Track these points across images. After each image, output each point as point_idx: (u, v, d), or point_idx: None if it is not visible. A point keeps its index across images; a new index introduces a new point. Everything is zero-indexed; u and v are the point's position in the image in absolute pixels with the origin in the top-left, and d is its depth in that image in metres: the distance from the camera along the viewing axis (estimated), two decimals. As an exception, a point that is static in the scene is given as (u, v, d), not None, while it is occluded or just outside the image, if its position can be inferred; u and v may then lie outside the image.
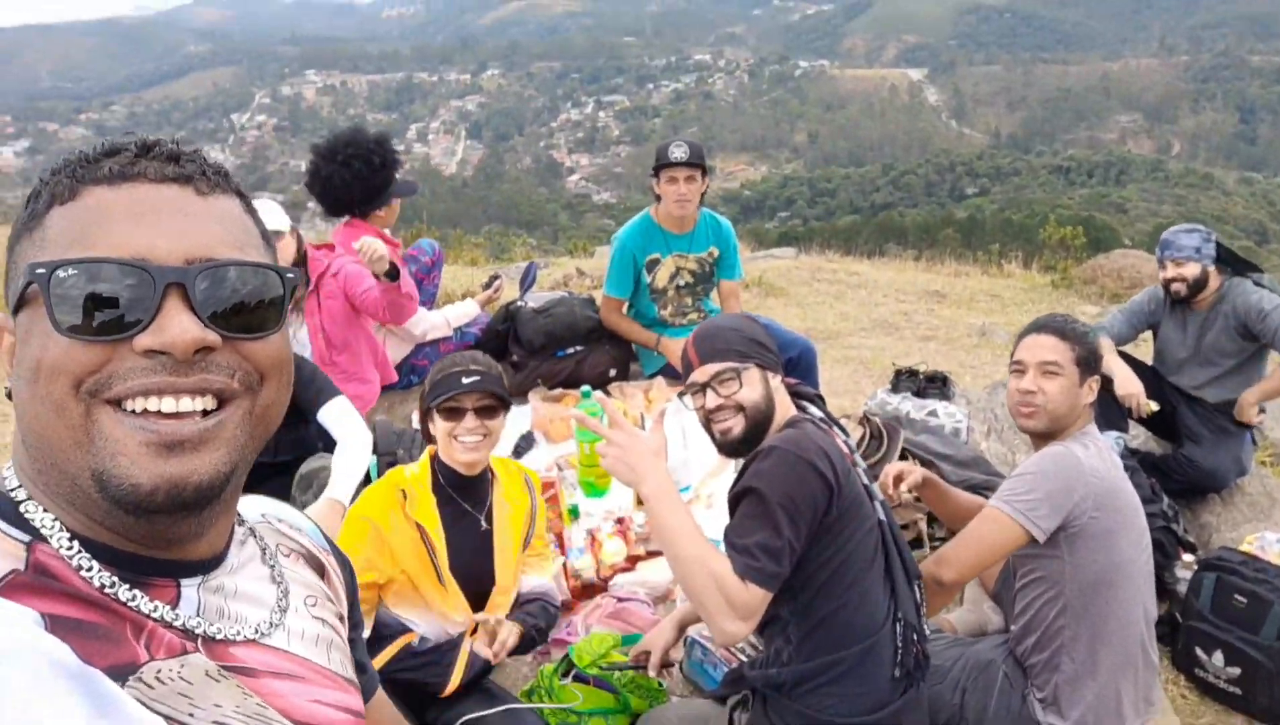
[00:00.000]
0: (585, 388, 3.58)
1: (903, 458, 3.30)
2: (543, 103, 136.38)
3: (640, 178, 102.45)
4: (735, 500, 1.95)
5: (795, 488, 1.84)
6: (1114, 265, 9.80)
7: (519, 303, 4.49)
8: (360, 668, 1.05)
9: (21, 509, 0.72)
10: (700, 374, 2.09)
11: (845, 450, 2.03)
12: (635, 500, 3.39)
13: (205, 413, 0.73)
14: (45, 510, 0.73)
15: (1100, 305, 8.53)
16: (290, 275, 0.80)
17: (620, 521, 3.21)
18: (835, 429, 2.10)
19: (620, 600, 2.87)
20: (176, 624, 0.75)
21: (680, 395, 2.22)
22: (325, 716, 0.85)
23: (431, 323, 4.33)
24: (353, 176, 4.07)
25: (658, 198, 4.19)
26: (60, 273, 0.69)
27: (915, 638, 1.99)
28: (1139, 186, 71.58)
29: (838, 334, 7.19)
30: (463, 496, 2.34)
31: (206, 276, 0.73)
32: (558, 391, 4.19)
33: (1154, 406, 3.67)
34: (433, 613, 2.24)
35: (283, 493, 2.91)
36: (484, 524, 2.36)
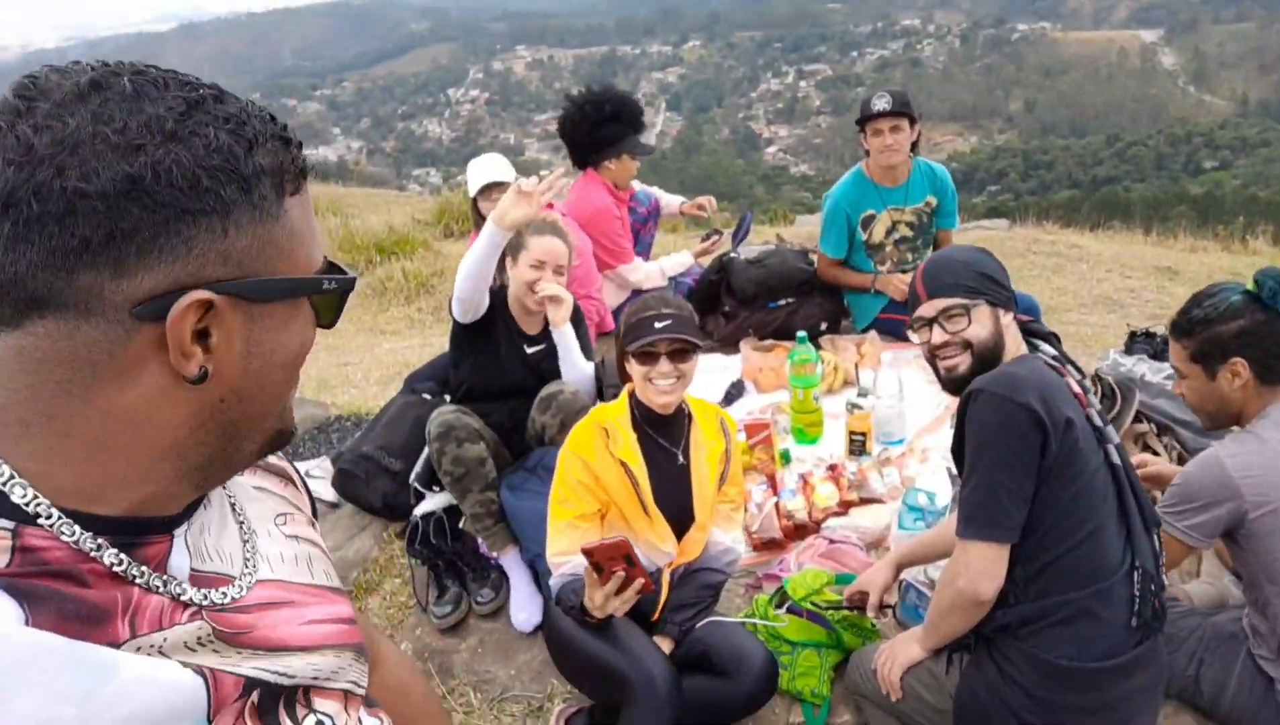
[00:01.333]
0: (801, 333, 3.62)
1: (1137, 421, 3.13)
2: (743, 73, 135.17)
3: (840, 149, 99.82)
4: (957, 452, 1.96)
5: (1007, 432, 1.81)
6: (1383, 244, 8.69)
7: (732, 253, 4.56)
8: None
9: (7, 489, 0.67)
10: (928, 308, 2.05)
11: (1077, 390, 1.97)
12: (846, 449, 3.40)
13: None
14: (36, 490, 0.68)
15: (1364, 288, 7.60)
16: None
17: (833, 468, 3.23)
18: (1069, 368, 2.03)
19: (833, 542, 2.90)
20: (165, 592, 0.74)
21: (907, 328, 2.19)
22: (320, 634, 0.87)
23: (647, 272, 4.47)
24: (583, 120, 4.26)
25: (866, 152, 4.13)
26: (328, 283, 0.78)
27: (1153, 587, 1.92)
28: None
29: (1055, 310, 6.78)
30: (660, 434, 2.41)
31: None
32: (768, 342, 4.23)
33: None
34: (642, 542, 2.35)
35: (525, 408, 3.09)
36: (681, 459, 2.42)
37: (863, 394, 3.41)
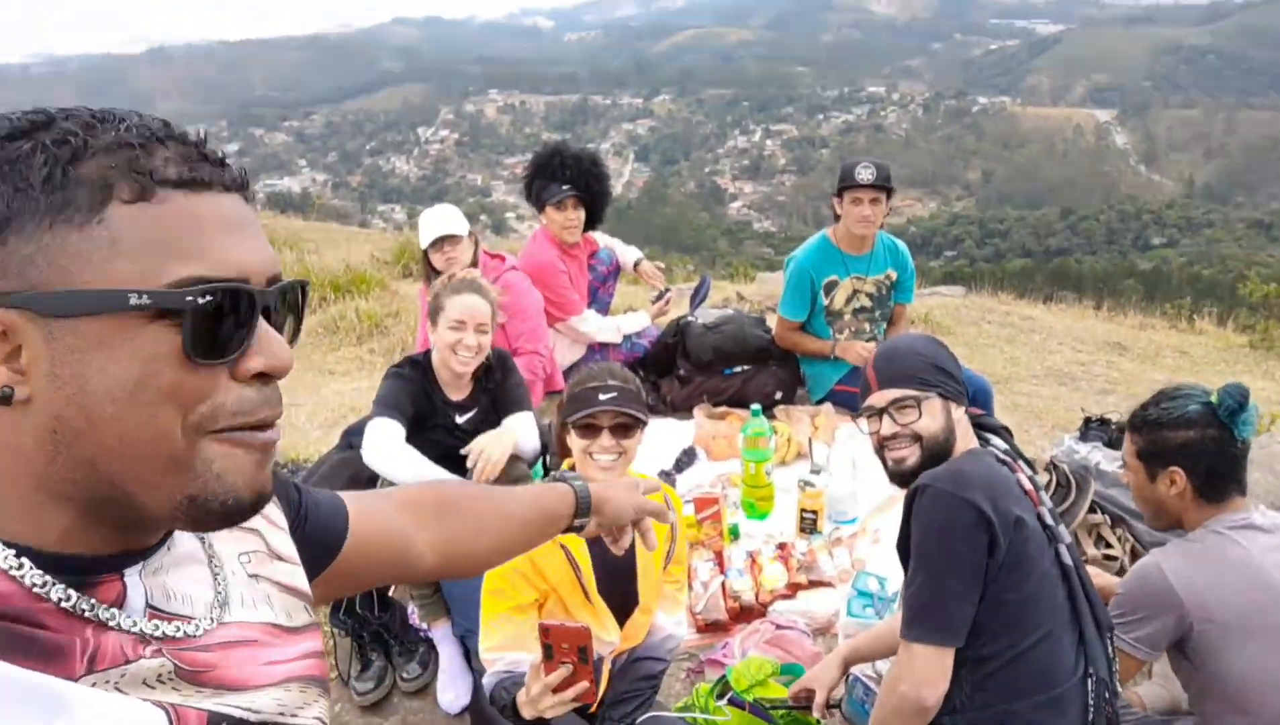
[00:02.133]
0: (755, 407, 3.53)
1: (1091, 511, 3.07)
2: (711, 129, 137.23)
3: (803, 207, 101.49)
4: (902, 548, 1.88)
5: (952, 530, 1.75)
6: (1326, 331, 8.89)
7: (689, 317, 4.49)
8: (323, 521, 1.06)
9: None
10: (878, 398, 2.00)
11: (1028, 487, 1.91)
12: (797, 527, 3.31)
13: None
14: None
15: (1307, 370, 7.77)
16: (305, 285, 0.80)
17: (782, 547, 3.13)
18: (1020, 463, 1.97)
19: (779, 628, 2.79)
20: (126, 627, 0.71)
21: (856, 417, 2.13)
22: (282, 673, 0.85)
23: (600, 325, 4.41)
24: (527, 177, 4.37)
25: (837, 217, 4.11)
26: (200, 299, 0.66)
27: (1107, 695, 1.83)
28: (1353, 247, 65.11)
29: (1007, 380, 6.82)
30: None
31: (278, 295, 0.73)
32: (722, 409, 4.15)
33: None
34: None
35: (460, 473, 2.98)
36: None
37: (815, 471, 3.33)
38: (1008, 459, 1.94)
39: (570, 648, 1.82)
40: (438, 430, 2.99)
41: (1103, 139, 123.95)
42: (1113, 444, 3.45)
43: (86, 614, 0.68)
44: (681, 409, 4.29)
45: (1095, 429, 3.53)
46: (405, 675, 2.82)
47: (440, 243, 3.78)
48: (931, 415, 1.95)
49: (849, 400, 4.06)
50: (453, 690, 2.74)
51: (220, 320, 0.67)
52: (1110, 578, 2.55)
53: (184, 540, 0.81)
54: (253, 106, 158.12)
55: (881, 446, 2.02)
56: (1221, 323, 10.52)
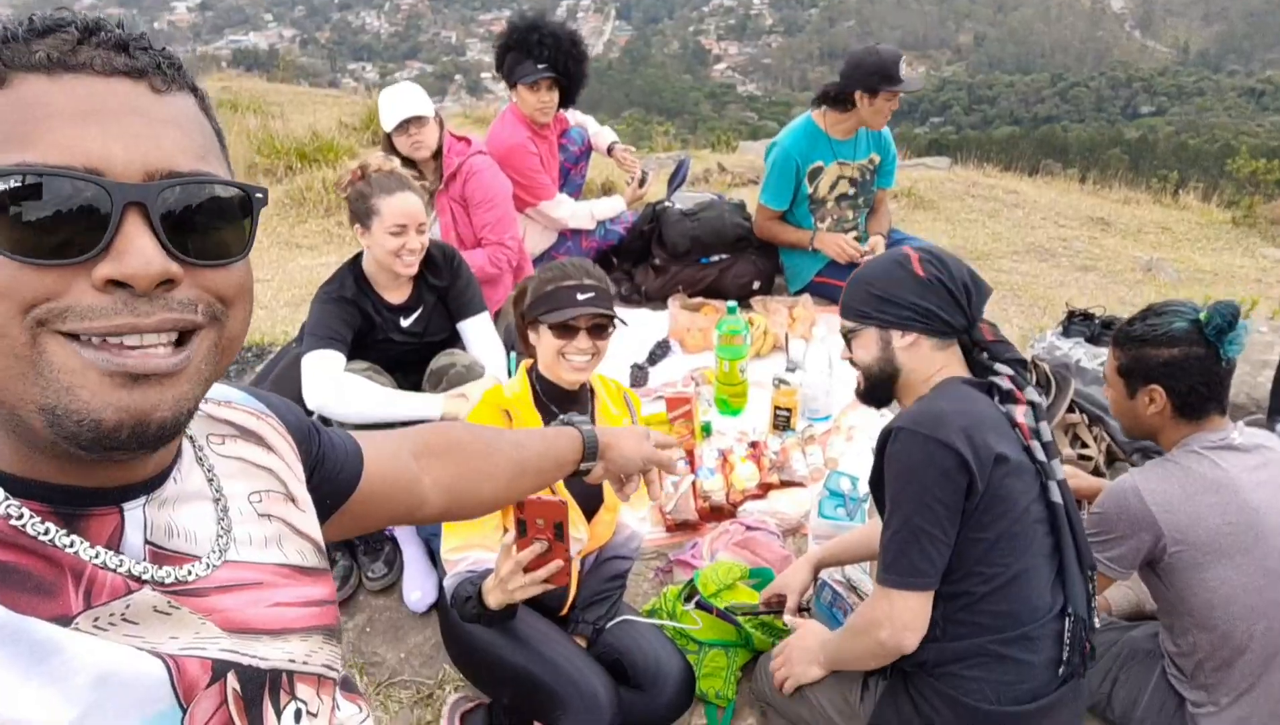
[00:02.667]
0: (731, 304, 3.42)
1: (1070, 410, 3.03)
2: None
3: (789, 71, 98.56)
4: (876, 486, 1.85)
5: (928, 473, 1.69)
6: (1312, 207, 8.81)
7: (666, 203, 4.32)
8: (339, 461, 1.04)
9: None
10: (840, 326, 2.02)
11: (1022, 421, 1.83)
12: (770, 424, 3.26)
13: (173, 343, 0.66)
14: None
15: (1285, 250, 7.76)
16: (259, 194, 0.71)
17: (754, 445, 3.08)
18: (1026, 393, 1.87)
19: (749, 528, 2.77)
20: (121, 570, 0.68)
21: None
22: (288, 617, 0.82)
23: (573, 210, 4.23)
24: (499, 50, 4.10)
25: (839, 104, 3.86)
26: (1, 184, 0.59)
27: (1084, 632, 1.82)
28: (1345, 117, 64.31)
29: (988, 255, 6.77)
30: (566, 412, 2.18)
31: (169, 194, 0.64)
32: (698, 300, 4.04)
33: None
34: None
35: (418, 381, 2.90)
36: None
37: (791, 368, 3.26)
38: (1011, 388, 1.84)
39: (546, 523, 1.74)
40: (382, 343, 2.85)
41: (1098, 2, 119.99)
42: (1094, 340, 3.39)
43: (68, 550, 0.65)
44: (656, 299, 4.17)
45: (1078, 324, 3.45)
46: (371, 574, 2.79)
47: (405, 125, 3.55)
48: (864, 347, 1.91)
49: (829, 292, 3.97)
50: (419, 589, 2.72)
51: (49, 214, 0.59)
52: (1089, 478, 2.53)
53: (191, 476, 0.79)
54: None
55: None
56: (1206, 198, 10.42)
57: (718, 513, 2.87)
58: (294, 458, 0.95)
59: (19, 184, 0.59)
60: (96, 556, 0.67)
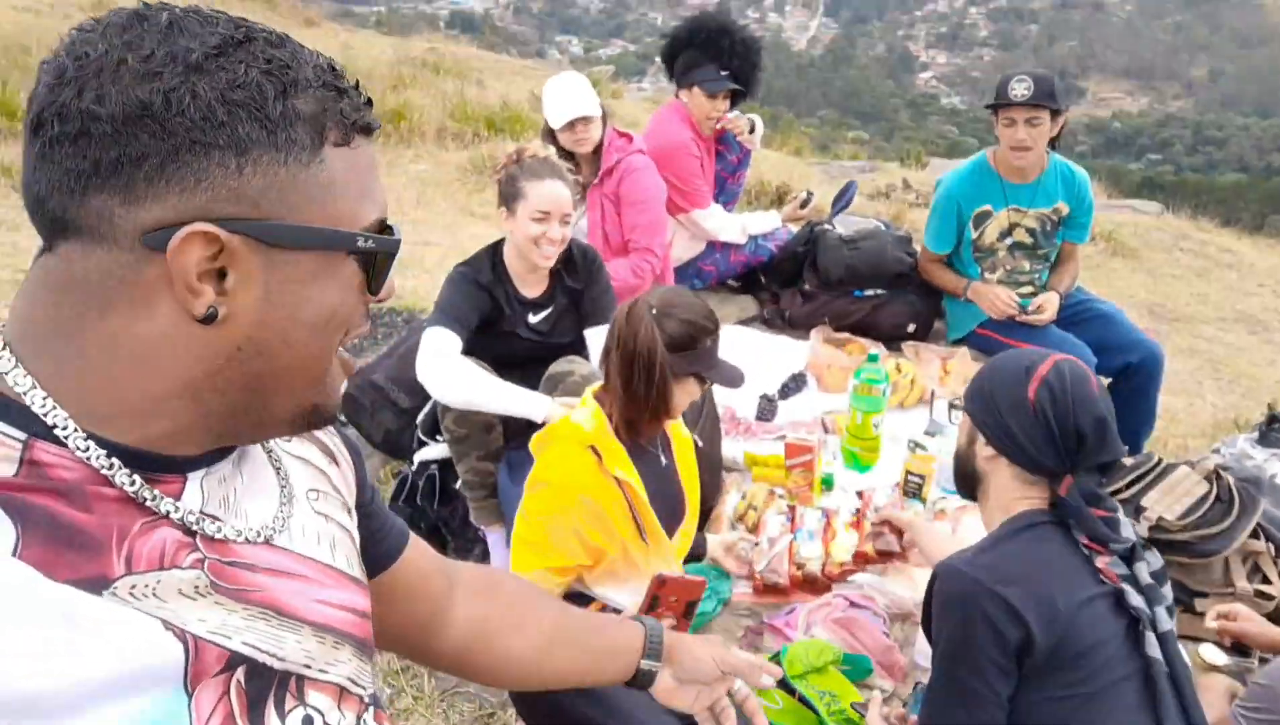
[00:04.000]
0: (874, 352, 3.15)
1: (1254, 536, 2.61)
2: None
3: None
4: (927, 626, 1.70)
5: (973, 624, 1.52)
6: None
7: (826, 225, 4.07)
8: (383, 531, 1.05)
9: (28, 400, 0.68)
10: None
11: (1101, 566, 1.60)
12: (901, 489, 2.97)
13: None
14: (57, 403, 0.68)
15: None
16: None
17: (858, 512, 2.79)
18: (1112, 542, 1.64)
19: (852, 604, 2.52)
20: (175, 517, 0.72)
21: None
22: (329, 616, 0.84)
23: (724, 223, 4.06)
24: (673, 42, 3.97)
25: (997, 139, 3.55)
26: (377, 245, 0.75)
27: None
28: None
29: (1189, 319, 6.19)
30: (642, 434, 2.12)
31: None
32: (844, 335, 3.78)
33: None
34: (637, 576, 2.02)
35: (537, 381, 2.82)
36: (664, 458, 2.15)
37: (931, 432, 2.97)
38: (1092, 544, 1.63)
39: (679, 600, 1.72)
40: (507, 336, 2.78)
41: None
42: (1297, 452, 2.93)
43: (147, 502, 0.70)
44: (800, 327, 3.92)
45: (1279, 431, 2.99)
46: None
47: (572, 124, 3.46)
48: (961, 430, 1.86)
49: (991, 346, 3.60)
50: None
51: (390, 260, 0.78)
52: (1265, 625, 2.17)
53: (253, 458, 0.84)
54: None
55: None
56: None
57: (811, 584, 2.62)
58: (352, 483, 1.00)
59: (388, 245, 0.76)
60: (170, 508, 0.72)
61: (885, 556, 2.58)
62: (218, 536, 0.75)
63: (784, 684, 2.26)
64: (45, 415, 0.67)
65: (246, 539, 0.78)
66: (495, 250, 2.80)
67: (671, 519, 2.16)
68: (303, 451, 0.94)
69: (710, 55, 3.81)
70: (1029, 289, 3.71)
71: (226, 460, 0.80)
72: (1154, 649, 1.56)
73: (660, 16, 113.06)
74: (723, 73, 3.78)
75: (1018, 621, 1.49)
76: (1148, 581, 1.63)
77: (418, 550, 1.11)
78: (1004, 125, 3.44)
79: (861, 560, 2.62)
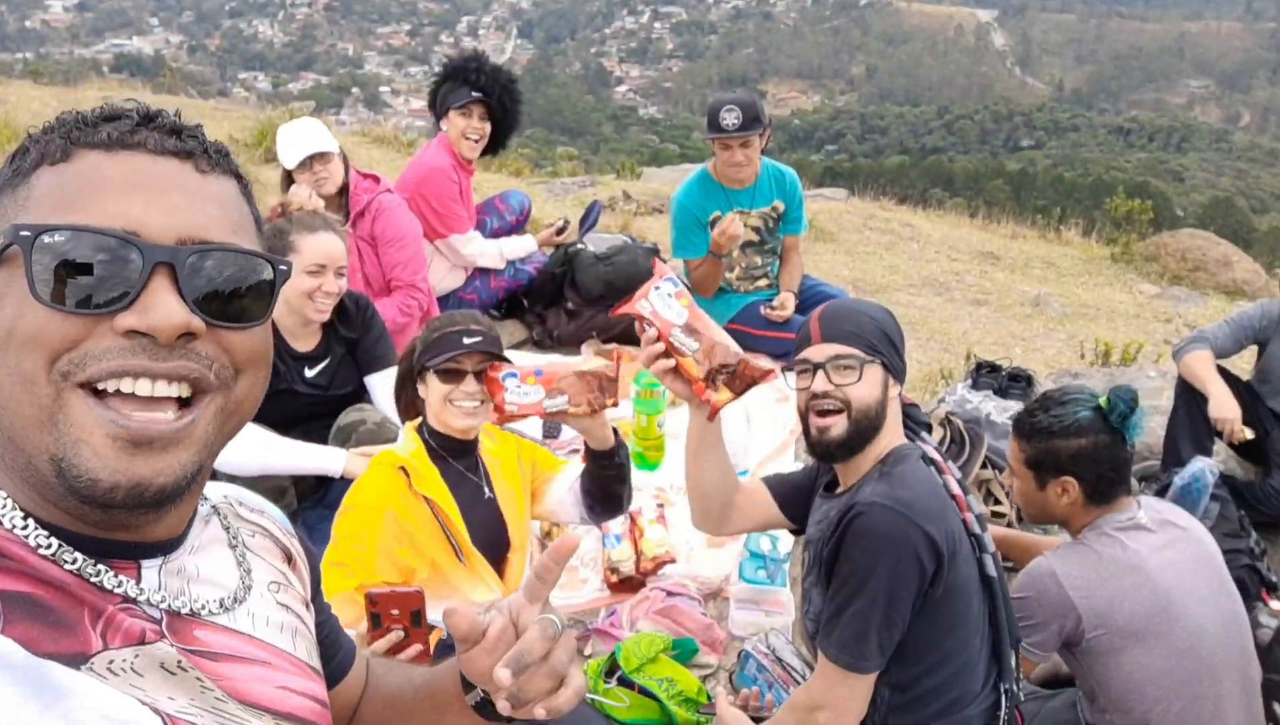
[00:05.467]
0: (650, 357, 3.35)
1: (984, 467, 3.07)
2: (598, 7, 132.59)
3: (689, 95, 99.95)
4: (832, 560, 1.73)
5: (901, 559, 1.63)
6: (1180, 245, 9.27)
7: (578, 245, 4.24)
8: (333, 644, 1.03)
9: None
10: (817, 352, 1.81)
11: (956, 491, 1.79)
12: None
13: (180, 402, 0.70)
14: (3, 493, 0.69)
15: (1160, 285, 8.20)
16: (284, 267, 0.77)
17: (661, 506, 2.98)
18: (949, 465, 1.87)
19: (669, 594, 2.69)
20: (140, 599, 0.72)
21: (785, 369, 1.99)
22: (292, 703, 0.82)
23: (482, 248, 4.12)
24: (434, 86, 4.05)
25: (714, 153, 3.92)
26: (46, 238, 0.66)
27: (1016, 705, 1.81)
28: (1200, 156, 68.88)
29: (885, 288, 6.96)
30: (461, 462, 2.16)
31: (197, 259, 0.70)
32: (612, 346, 3.96)
33: (1249, 434, 3.39)
34: (458, 597, 2.06)
35: (321, 437, 2.74)
36: (487, 491, 2.19)
37: (709, 422, 3.19)
38: (936, 459, 1.83)
39: (401, 613, 1.67)
40: (282, 394, 2.67)
41: (982, 39, 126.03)
42: (1002, 392, 3.45)
43: (92, 579, 0.69)
44: (569, 345, 4.08)
45: (986, 376, 3.51)
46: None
47: (309, 161, 3.38)
48: (870, 383, 1.78)
49: (742, 339, 3.92)
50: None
51: (82, 269, 0.66)
52: (1017, 533, 2.54)
53: (214, 550, 0.83)
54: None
55: (808, 408, 1.82)
56: (1086, 233, 10.97)
57: (628, 584, 2.77)
58: (307, 582, 0.98)
59: (60, 238, 0.66)
60: (119, 586, 0.71)
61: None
62: (183, 611, 0.75)
63: (623, 680, 2.38)
64: None
65: (209, 611, 0.78)
66: None
67: (495, 549, 2.19)
68: (261, 547, 0.93)
69: (460, 81, 3.91)
70: (764, 281, 4.09)
71: (180, 549, 0.79)
72: (991, 568, 1.78)
73: (351, 46, 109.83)
74: (473, 92, 3.86)
75: (935, 555, 1.63)
76: (980, 510, 1.84)
77: (360, 671, 1.10)
78: (720, 149, 3.82)
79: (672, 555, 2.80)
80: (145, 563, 0.75)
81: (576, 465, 2.29)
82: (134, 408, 0.67)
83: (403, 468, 2.06)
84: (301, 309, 2.61)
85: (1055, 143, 76.22)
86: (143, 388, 0.68)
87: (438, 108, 4.01)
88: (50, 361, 0.66)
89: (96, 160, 0.70)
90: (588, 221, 4.49)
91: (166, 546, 0.77)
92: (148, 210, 0.69)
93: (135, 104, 0.74)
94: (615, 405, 2.04)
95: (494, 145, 4.07)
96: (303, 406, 2.73)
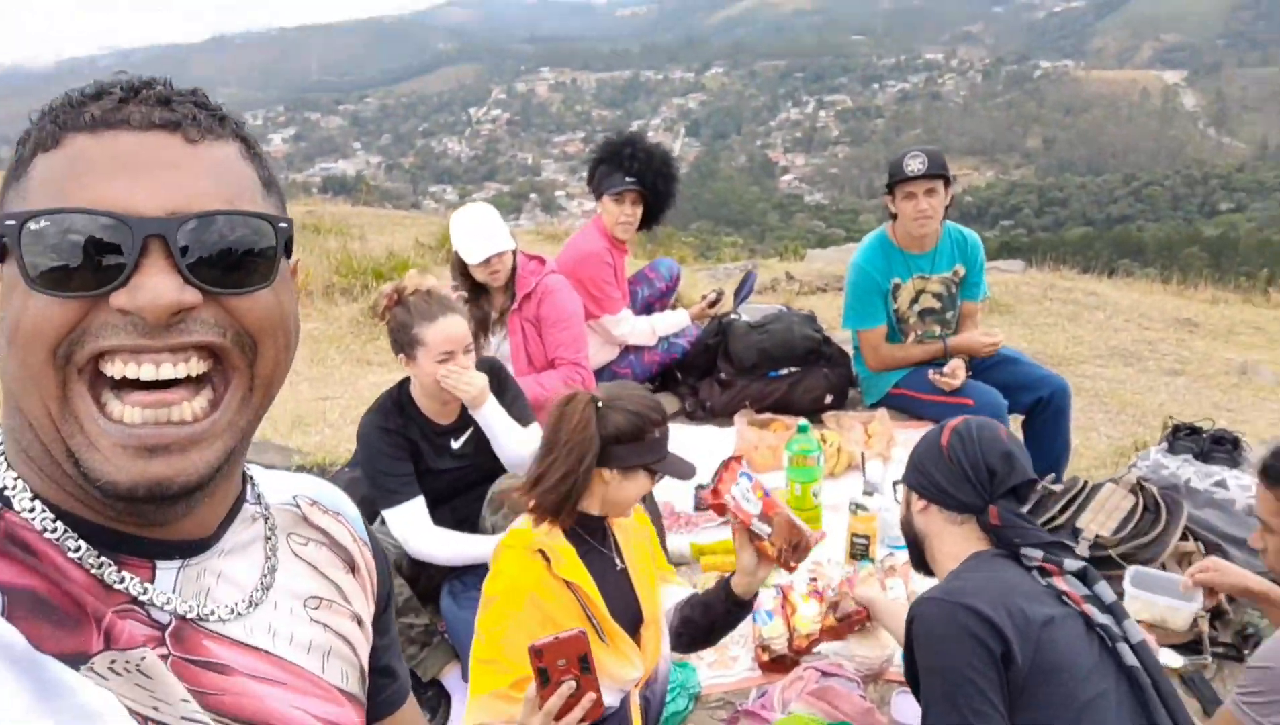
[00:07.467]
0: (803, 422, 3.23)
1: (1182, 538, 2.72)
2: (763, 101, 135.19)
3: (855, 179, 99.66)
4: (912, 678, 1.74)
5: (958, 645, 1.58)
6: None
7: (733, 315, 4.20)
8: (388, 673, 1.01)
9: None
10: None
11: (1067, 588, 1.69)
12: (847, 553, 3.00)
13: (197, 381, 0.69)
14: (15, 474, 0.70)
15: (1390, 345, 7.28)
16: (284, 224, 0.74)
17: (815, 580, 2.79)
18: (1063, 563, 1.74)
19: (824, 674, 2.50)
20: (147, 600, 0.71)
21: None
22: (308, 723, 0.79)
23: (634, 327, 4.14)
24: (590, 165, 4.14)
25: (893, 216, 3.75)
26: (33, 225, 0.65)
27: None
28: None
29: (1069, 360, 6.53)
30: (594, 537, 2.07)
31: (191, 229, 0.68)
32: (766, 416, 3.86)
33: None
34: (604, 677, 1.96)
35: (476, 507, 2.77)
36: (618, 562, 2.10)
37: (868, 492, 3.03)
38: (1043, 566, 1.73)
39: (569, 662, 1.60)
40: (431, 473, 2.73)
41: (1169, 101, 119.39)
42: (1205, 457, 3.08)
43: (116, 586, 0.69)
44: (722, 415, 4.00)
45: (1184, 439, 3.15)
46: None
47: (489, 260, 3.46)
48: (903, 503, 2.03)
49: (908, 405, 3.74)
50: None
51: (73, 252, 0.65)
52: (1229, 570, 2.24)
53: (246, 555, 0.80)
54: (309, 91, 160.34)
55: None
56: (1300, 295, 9.96)
57: (780, 663, 2.59)
58: (369, 595, 0.95)
59: (46, 224, 0.65)
60: (122, 583, 0.69)
61: (849, 622, 2.58)
62: (188, 616, 0.73)
63: (773, 766, 2.21)
64: (5, 488, 0.68)
65: (218, 617, 0.76)
66: (400, 391, 2.75)
67: (630, 623, 2.10)
68: (314, 556, 0.90)
69: (616, 165, 3.99)
70: (994, 332, 3.90)
71: (210, 551, 0.77)
72: (1130, 658, 1.63)
73: (530, 156, 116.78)
74: (627, 178, 3.93)
75: (995, 633, 1.54)
76: (1111, 599, 1.72)
77: (412, 712, 1.07)
78: (904, 199, 3.65)
79: (828, 634, 2.61)
80: (162, 564, 0.73)
81: (680, 589, 2.32)
82: (147, 404, 0.67)
83: (540, 551, 1.97)
84: (438, 394, 2.66)
85: (1260, 204, 70.35)
86: (147, 372, 0.66)
87: (594, 187, 4.10)
88: (53, 349, 0.66)
89: (83, 143, 0.68)
90: (743, 291, 4.45)
91: (193, 547, 0.75)
92: (134, 189, 0.67)
93: (125, 75, 0.73)
94: (793, 570, 2.20)
95: (648, 221, 4.12)
96: (453, 479, 2.78)
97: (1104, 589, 1.72)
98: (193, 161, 0.70)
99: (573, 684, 1.60)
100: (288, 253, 0.76)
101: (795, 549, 2.14)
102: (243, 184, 0.74)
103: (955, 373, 3.69)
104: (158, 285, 0.66)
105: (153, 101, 0.70)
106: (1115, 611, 1.69)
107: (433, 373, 2.59)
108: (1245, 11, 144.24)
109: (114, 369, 0.66)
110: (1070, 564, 1.74)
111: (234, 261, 0.70)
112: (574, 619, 1.96)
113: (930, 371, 3.72)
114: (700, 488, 3.45)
